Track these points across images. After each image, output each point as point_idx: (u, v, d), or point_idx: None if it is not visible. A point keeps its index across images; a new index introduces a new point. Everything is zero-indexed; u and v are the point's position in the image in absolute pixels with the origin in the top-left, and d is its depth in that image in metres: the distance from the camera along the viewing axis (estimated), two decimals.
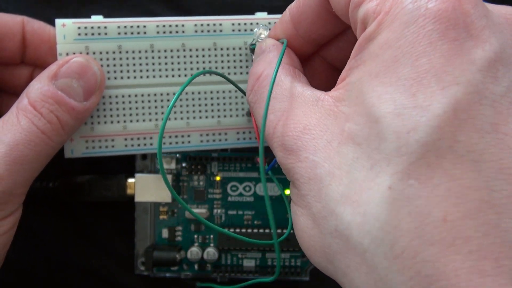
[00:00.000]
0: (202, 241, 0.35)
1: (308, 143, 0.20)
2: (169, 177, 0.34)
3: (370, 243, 0.17)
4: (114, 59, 0.28)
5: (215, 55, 0.30)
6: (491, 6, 0.19)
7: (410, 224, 0.17)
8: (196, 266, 0.35)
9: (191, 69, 0.29)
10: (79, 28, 0.28)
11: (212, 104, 0.30)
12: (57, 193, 0.34)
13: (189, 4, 0.35)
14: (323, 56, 0.27)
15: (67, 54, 0.28)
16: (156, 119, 0.29)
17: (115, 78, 0.29)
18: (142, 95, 0.29)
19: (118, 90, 0.29)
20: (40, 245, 0.35)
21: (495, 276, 0.15)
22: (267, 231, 0.34)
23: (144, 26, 0.29)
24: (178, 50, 0.29)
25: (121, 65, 0.29)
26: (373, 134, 0.18)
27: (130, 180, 0.34)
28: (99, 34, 0.28)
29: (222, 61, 0.30)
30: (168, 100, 0.29)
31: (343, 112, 0.20)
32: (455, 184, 0.16)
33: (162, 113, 0.29)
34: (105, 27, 0.28)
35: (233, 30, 0.30)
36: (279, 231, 0.34)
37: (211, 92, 0.30)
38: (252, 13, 0.30)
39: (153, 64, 0.29)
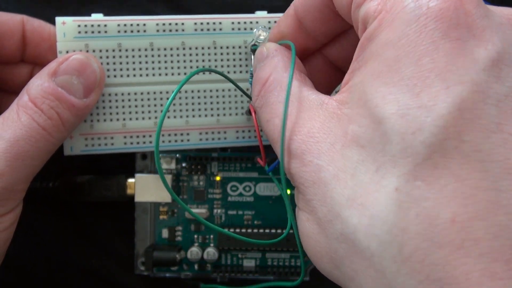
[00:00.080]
0: (202, 241, 0.35)
1: (312, 146, 0.20)
2: (169, 177, 0.34)
3: (378, 246, 0.17)
4: (114, 57, 0.29)
5: (215, 54, 0.30)
6: (493, 8, 0.19)
7: (418, 226, 0.16)
8: (196, 266, 0.35)
9: (191, 67, 0.29)
10: (79, 26, 0.28)
11: (211, 103, 0.30)
12: (57, 193, 0.34)
13: (189, 4, 0.35)
14: (326, 54, 0.27)
15: (67, 52, 0.28)
16: (156, 117, 0.29)
17: (115, 76, 0.29)
18: (142, 93, 0.29)
19: (118, 88, 0.29)
20: (40, 245, 0.35)
21: (507, 279, 0.15)
22: (267, 231, 0.34)
23: (144, 25, 0.29)
24: (177, 49, 0.29)
25: (120, 63, 0.29)
26: (377, 136, 0.18)
27: (130, 180, 0.34)
28: (99, 32, 0.28)
29: (221, 60, 0.30)
30: (167, 99, 0.29)
31: (346, 115, 0.20)
32: (462, 184, 0.16)
33: (162, 111, 0.29)
34: (105, 25, 0.28)
35: (232, 29, 0.30)
36: (279, 231, 0.34)
37: (211, 90, 0.30)
38: (252, 13, 0.30)
39: (153, 62, 0.29)
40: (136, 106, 0.29)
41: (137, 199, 0.34)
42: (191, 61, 0.29)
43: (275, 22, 0.30)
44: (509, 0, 0.34)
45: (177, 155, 0.35)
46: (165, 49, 0.29)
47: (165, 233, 0.35)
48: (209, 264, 0.35)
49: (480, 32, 0.18)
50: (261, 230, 0.34)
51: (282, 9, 0.30)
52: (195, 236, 0.35)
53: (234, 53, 0.30)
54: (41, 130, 0.25)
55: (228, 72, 0.30)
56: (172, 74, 0.29)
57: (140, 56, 0.29)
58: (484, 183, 0.16)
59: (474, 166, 0.16)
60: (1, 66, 0.30)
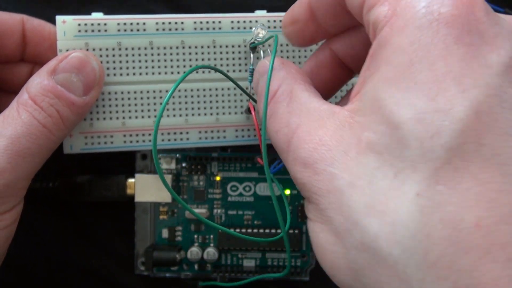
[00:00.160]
0: (202, 241, 0.35)
1: (325, 154, 0.20)
2: (169, 177, 0.34)
3: (401, 253, 0.17)
4: (113, 55, 0.29)
5: (214, 53, 0.30)
6: (502, 16, 0.19)
7: (442, 231, 0.16)
8: (196, 266, 0.35)
9: (190, 66, 0.30)
10: (79, 25, 0.28)
11: (211, 101, 0.30)
12: (57, 192, 0.34)
13: (189, 3, 0.35)
14: (334, 49, 0.27)
15: (67, 51, 0.28)
16: (155, 116, 0.29)
17: (115, 74, 0.29)
18: (141, 92, 0.29)
19: (118, 87, 0.29)
20: (40, 244, 0.35)
21: None
22: (267, 231, 0.34)
23: (144, 23, 0.29)
24: (177, 47, 0.29)
25: (120, 61, 0.29)
26: (394, 142, 0.18)
27: (130, 180, 0.34)
28: (99, 31, 0.28)
29: (221, 59, 0.30)
30: None
31: (358, 122, 0.19)
32: (485, 188, 0.16)
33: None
34: (105, 24, 0.29)
35: (232, 28, 0.30)
36: (279, 231, 0.34)
37: (210, 89, 0.30)
38: (252, 12, 0.30)
39: (152, 61, 0.29)
40: (135, 104, 0.29)
41: (137, 199, 0.34)
42: (190, 60, 0.30)
43: (274, 21, 0.30)
44: (509, 0, 0.34)
45: (177, 155, 0.35)
46: (164, 48, 0.29)
47: (165, 233, 0.35)
48: (209, 264, 0.35)
49: (491, 38, 0.18)
50: (261, 230, 0.34)
51: (282, 9, 0.30)
52: (195, 236, 0.35)
53: (233, 52, 0.30)
54: (42, 128, 0.25)
55: (228, 71, 0.30)
56: (172, 73, 0.29)
57: (139, 55, 0.29)
58: (507, 186, 0.16)
59: (495, 169, 0.16)
60: (1, 65, 0.31)
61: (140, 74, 0.29)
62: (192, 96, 0.30)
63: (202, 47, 0.30)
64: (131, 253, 0.35)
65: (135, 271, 0.35)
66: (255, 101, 0.28)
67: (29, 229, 0.35)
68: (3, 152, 0.24)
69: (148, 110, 0.29)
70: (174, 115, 0.30)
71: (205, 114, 0.30)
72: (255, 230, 0.34)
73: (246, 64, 0.30)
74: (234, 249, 0.35)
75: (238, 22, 0.30)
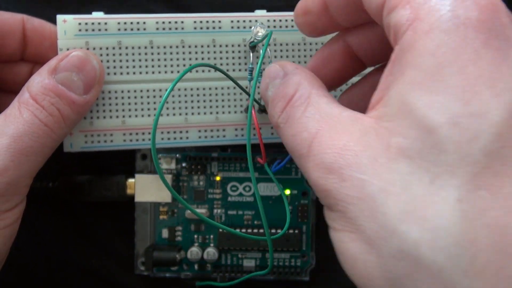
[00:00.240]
0: (202, 241, 0.35)
1: (351, 160, 0.19)
2: (169, 177, 0.34)
3: (446, 260, 0.16)
4: (114, 54, 0.29)
5: (214, 52, 0.30)
6: None
7: (488, 237, 0.16)
8: (196, 266, 0.35)
9: (190, 65, 0.30)
10: (80, 24, 0.28)
11: (210, 100, 0.30)
12: (57, 192, 0.34)
13: (189, 3, 0.35)
14: (347, 41, 0.26)
15: (68, 50, 0.28)
16: (155, 115, 0.29)
17: (115, 73, 0.29)
18: (141, 91, 0.29)
19: (118, 86, 0.29)
20: (40, 244, 0.35)
21: None
22: None
23: (144, 23, 0.29)
24: (177, 47, 0.29)
25: (120, 60, 0.29)
26: (428, 146, 0.17)
27: (130, 180, 0.34)
28: (99, 30, 0.29)
29: (220, 58, 0.30)
30: None
31: (385, 128, 0.19)
32: None
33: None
34: (106, 23, 0.29)
35: (232, 27, 0.30)
36: (279, 230, 0.34)
37: (210, 88, 0.30)
38: (252, 12, 0.31)
39: (152, 60, 0.29)
40: (135, 103, 0.29)
41: (137, 199, 0.34)
42: (190, 59, 0.30)
43: (274, 21, 0.30)
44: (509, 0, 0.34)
45: (177, 155, 0.35)
46: (164, 47, 0.29)
47: (165, 233, 0.35)
48: (209, 264, 0.35)
49: None
50: (261, 230, 0.34)
51: (282, 9, 0.31)
52: (195, 236, 0.35)
53: (233, 51, 0.30)
54: (43, 126, 0.25)
55: (228, 70, 0.30)
56: (172, 72, 0.29)
57: (140, 54, 0.29)
58: None
59: None
60: (1, 65, 0.31)
61: (140, 73, 0.29)
62: (191, 95, 0.30)
63: (202, 46, 0.30)
64: (131, 253, 0.35)
65: (135, 271, 0.35)
66: (255, 100, 0.28)
67: (29, 228, 0.35)
68: (6, 150, 0.24)
69: (148, 109, 0.29)
70: (173, 114, 0.30)
71: (204, 113, 0.30)
72: (255, 230, 0.34)
73: (245, 64, 0.30)
74: (234, 249, 0.35)
75: (238, 21, 0.30)
